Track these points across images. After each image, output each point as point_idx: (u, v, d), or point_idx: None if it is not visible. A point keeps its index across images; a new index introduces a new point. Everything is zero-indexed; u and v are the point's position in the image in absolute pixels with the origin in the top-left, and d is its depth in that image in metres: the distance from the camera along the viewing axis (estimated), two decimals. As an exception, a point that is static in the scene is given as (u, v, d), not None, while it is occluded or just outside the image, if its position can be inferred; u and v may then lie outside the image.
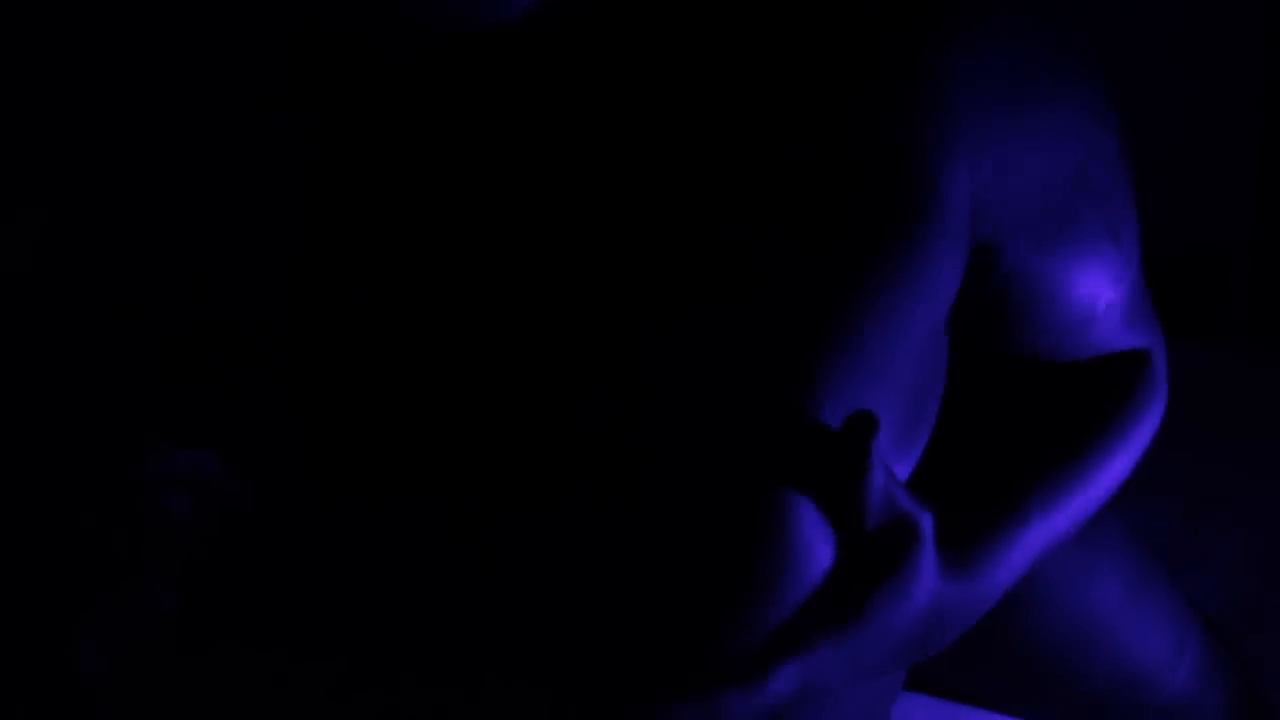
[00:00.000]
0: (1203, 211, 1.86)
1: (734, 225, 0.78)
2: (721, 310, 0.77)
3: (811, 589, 0.80)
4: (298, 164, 0.76)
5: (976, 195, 0.83)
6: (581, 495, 0.77)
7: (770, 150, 0.78)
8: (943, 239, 0.82)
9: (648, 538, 0.77)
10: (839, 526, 0.80)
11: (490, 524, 0.77)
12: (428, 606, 0.77)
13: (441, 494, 0.76)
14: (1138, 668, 1.17)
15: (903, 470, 0.87)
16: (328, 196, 0.76)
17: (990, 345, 0.93)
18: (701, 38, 0.77)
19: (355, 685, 0.77)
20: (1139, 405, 0.97)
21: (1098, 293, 0.93)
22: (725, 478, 0.77)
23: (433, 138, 0.77)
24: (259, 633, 0.76)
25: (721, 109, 0.77)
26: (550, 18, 0.75)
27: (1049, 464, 0.94)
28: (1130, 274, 0.95)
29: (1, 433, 0.74)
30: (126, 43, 0.79)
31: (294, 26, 0.76)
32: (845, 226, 0.79)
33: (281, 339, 0.75)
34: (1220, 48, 1.84)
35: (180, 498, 0.73)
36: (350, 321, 0.75)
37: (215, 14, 0.77)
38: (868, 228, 0.80)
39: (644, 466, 0.77)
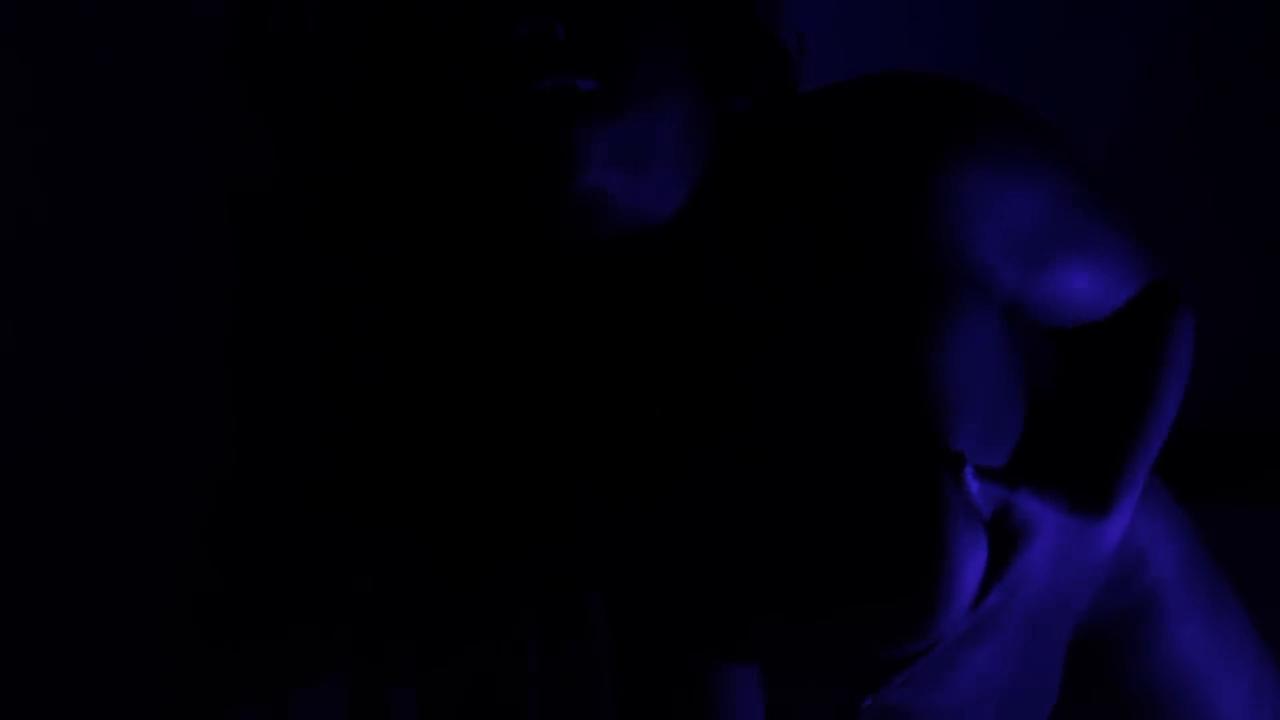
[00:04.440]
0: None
1: (829, 323, 1.10)
2: (843, 384, 1.10)
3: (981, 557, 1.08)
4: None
5: (989, 250, 1.11)
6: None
7: (839, 264, 1.10)
8: (971, 289, 1.11)
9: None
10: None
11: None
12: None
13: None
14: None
15: (996, 459, 1.12)
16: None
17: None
18: (782, 207, 1.10)
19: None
20: (1173, 319, 1.21)
21: (1092, 280, 1.17)
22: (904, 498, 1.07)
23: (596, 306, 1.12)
24: None
25: (808, 247, 1.10)
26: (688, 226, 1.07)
27: (1132, 403, 1.19)
28: (1121, 252, 1.19)
29: None
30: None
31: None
32: (899, 302, 1.10)
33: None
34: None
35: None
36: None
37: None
38: (915, 297, 1.10)
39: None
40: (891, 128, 1.09)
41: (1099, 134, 1.78)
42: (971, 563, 1.07)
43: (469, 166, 1.07)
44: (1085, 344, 1.23)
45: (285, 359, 1.44)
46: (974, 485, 1.08)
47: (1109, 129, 1.84)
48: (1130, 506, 1.18)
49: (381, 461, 1.14)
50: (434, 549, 1.12)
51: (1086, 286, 1.18)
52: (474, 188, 1.08)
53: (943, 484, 1.06)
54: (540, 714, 1.09)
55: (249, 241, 1.52)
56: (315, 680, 1.40)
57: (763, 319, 1.11)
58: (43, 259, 1.58)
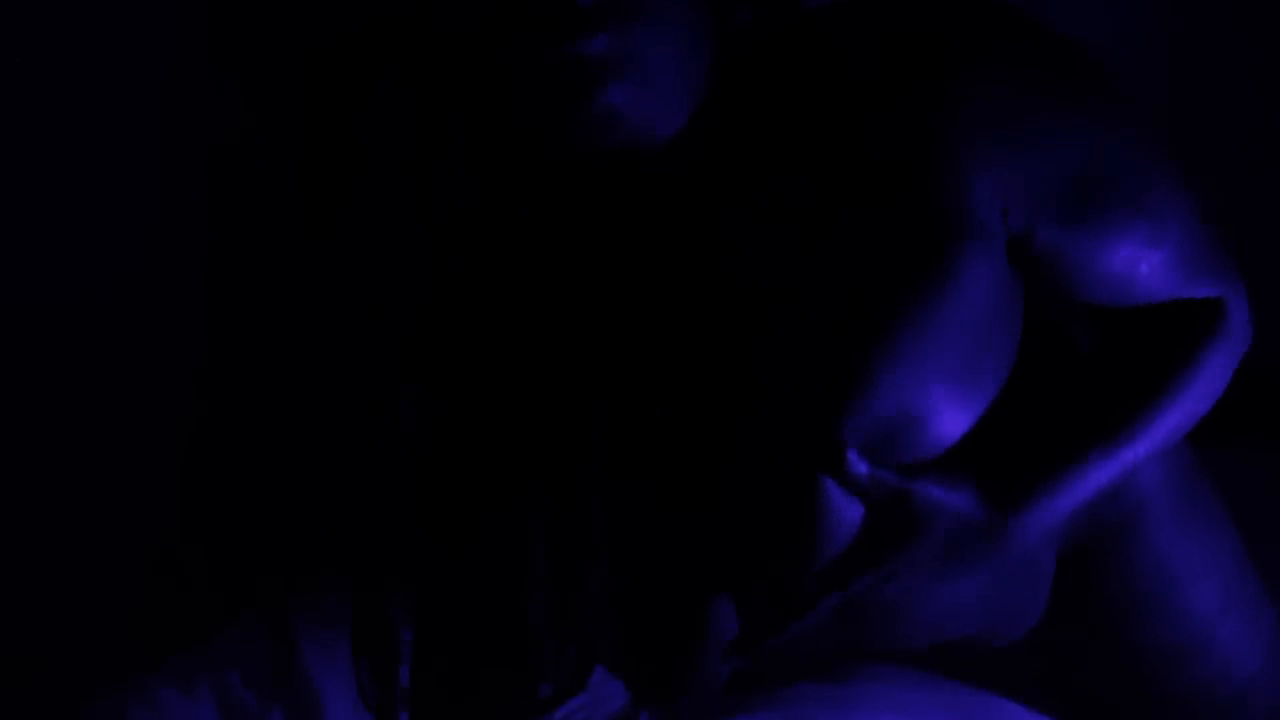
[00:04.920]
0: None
1: (819, 246, 1.08)
2: (812, 308, 1.08)
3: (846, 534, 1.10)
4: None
5: (999, 194, 1.07)
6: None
7: (839, 191, 1.08)
8: (972, 234, 1.07)
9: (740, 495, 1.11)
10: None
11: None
12: None
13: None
14: (1224, 661, 1.27)
15: (968, 414, 1.09)
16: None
17: (1051, 306, 1.15)
18: (786, 128, 1.09)
19: None
20: (1201, 351, 1.15)
21: (1135, 256, 1.11)
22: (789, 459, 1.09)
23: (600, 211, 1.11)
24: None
25: (807, 174, 1.08)
26: (690, 142, 1.07)
27: (1102, 408, 1.14)
28: (1173, 235, 1.12)
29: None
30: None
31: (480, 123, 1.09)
32: (895, 236, 1.07)
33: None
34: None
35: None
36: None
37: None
38: (910, 234, 1.06)
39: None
40: (903, 50, 1.07)
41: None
42: (830, 539, 1.10)
43: (473, 92, 1.07)
44: (1106, 333, 1.18)
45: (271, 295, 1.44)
46: (861, 467, 1.08)
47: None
48: (1051, 518, 1.14)
49: (382, 387, 1.12)
50: (436, 472, 1.11)
51: (1123, 260, 1.12)
52: (477, 113, 1.08)
53: (824, 462, 1.08)
54: (544, 617, 1.08)
55: (222, 202, 1.50)
56: (316, 593, 1.38)
57: (752, 242, 1.09)
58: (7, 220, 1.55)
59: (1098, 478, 1.14)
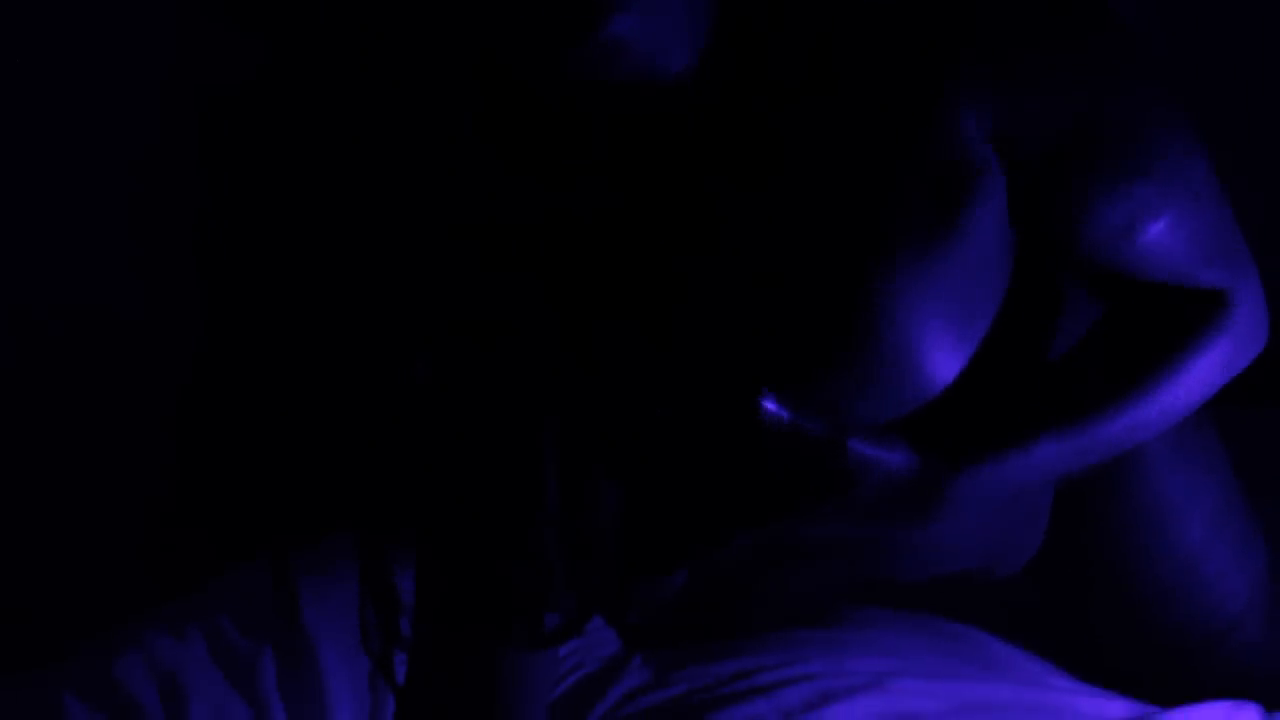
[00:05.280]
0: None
1: (827, 182, 1.07)
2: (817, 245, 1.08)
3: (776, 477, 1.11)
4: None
5: (994, 135, 1.05)
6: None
7: (846, 126, 1.07)
8: (974, 170, 1.05)
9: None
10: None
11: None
12: None
13: None
14: (1213, 594, 1.26)
15: (959, 357, 1.08)
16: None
17: (1044, 261, 1.12)
18: (794, 78, 1.07)
19: None
20: (1190, 347, 1.09)
21: (1133, 217, 1.07)
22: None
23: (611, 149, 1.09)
24: None
25: (815, 110, 1.08)
26: (702, 80, 1.06)
27: (1068, 391, 1.10)
28: (1177, 205, 1.08)
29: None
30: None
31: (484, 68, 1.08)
32: (900, 169, 1.06)
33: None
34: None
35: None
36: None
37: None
38: (915, 168, 1.05)
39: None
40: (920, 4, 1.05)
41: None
42: (757, 479, 1.10)
43: (486, 29, 1.06)
44: (1104, 316, 1.14)
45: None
46: (783, 415, 1.08)
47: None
48: (992, 489, 1.11)
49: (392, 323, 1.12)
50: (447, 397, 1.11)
51: (1121, 218, 1.07)
52: (489, 49, 1.07)
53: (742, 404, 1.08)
54: (559, 552, 1.08)
55: (216, 149, 1.50)
56: (317, 540, 1.38)
57: (759, 179, 1.09)
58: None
59: (1047, 458, 1.10)
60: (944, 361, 1.08)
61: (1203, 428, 1.24)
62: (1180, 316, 1.10)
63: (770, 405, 1.08)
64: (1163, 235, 1.08)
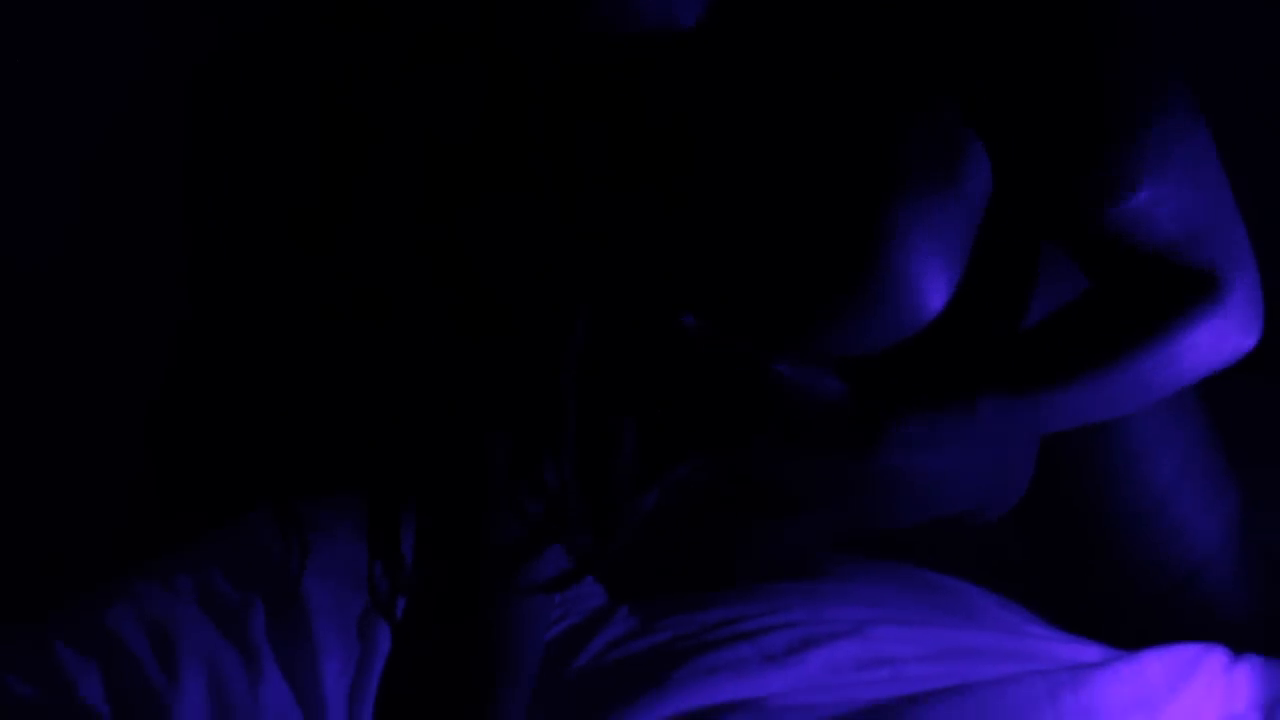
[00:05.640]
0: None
1: (839, 125, 1.08)
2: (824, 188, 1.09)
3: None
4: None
5: (981, 75, 1.05)
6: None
7: (858, 74, 1.07)
8: (963, 131, 1.06)
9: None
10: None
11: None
12: None
13: None
14: (1183, 535, 1.28)
15: (947, 290, 1.08)
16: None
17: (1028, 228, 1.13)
18: (803, 36, 1.08)
19: None
20: (1176, 318, 1.08)
21: (1111, 185, 1.06)
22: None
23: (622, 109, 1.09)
24: None
25: (818, 80, 1.08)
26: (711, 29, 1.07)
27: (1022, 354, 1.11)
28: (1173, 175, 1.06)
29: None
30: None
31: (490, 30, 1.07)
32: (897, 123, 1.06)
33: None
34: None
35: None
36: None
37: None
38: (910, 121, 1.06)
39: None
40: None
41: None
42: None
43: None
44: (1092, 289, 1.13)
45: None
46: (706, 330, 1.10)
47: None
48: (928, 437, 1.10)
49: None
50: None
51: (1093, 194, 1.05)
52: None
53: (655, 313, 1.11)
54: (574, 476, 1.10)
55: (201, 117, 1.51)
56: (329, 491, 1.39)
57: (769, 129, 1.10)
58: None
59: (987, 417, 1.09)
60: (936, 296, 1.09)
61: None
62: (1167, 294, 1.08)
63: (689, 320, 1.09)
64: (1148, 206, 1.06)
